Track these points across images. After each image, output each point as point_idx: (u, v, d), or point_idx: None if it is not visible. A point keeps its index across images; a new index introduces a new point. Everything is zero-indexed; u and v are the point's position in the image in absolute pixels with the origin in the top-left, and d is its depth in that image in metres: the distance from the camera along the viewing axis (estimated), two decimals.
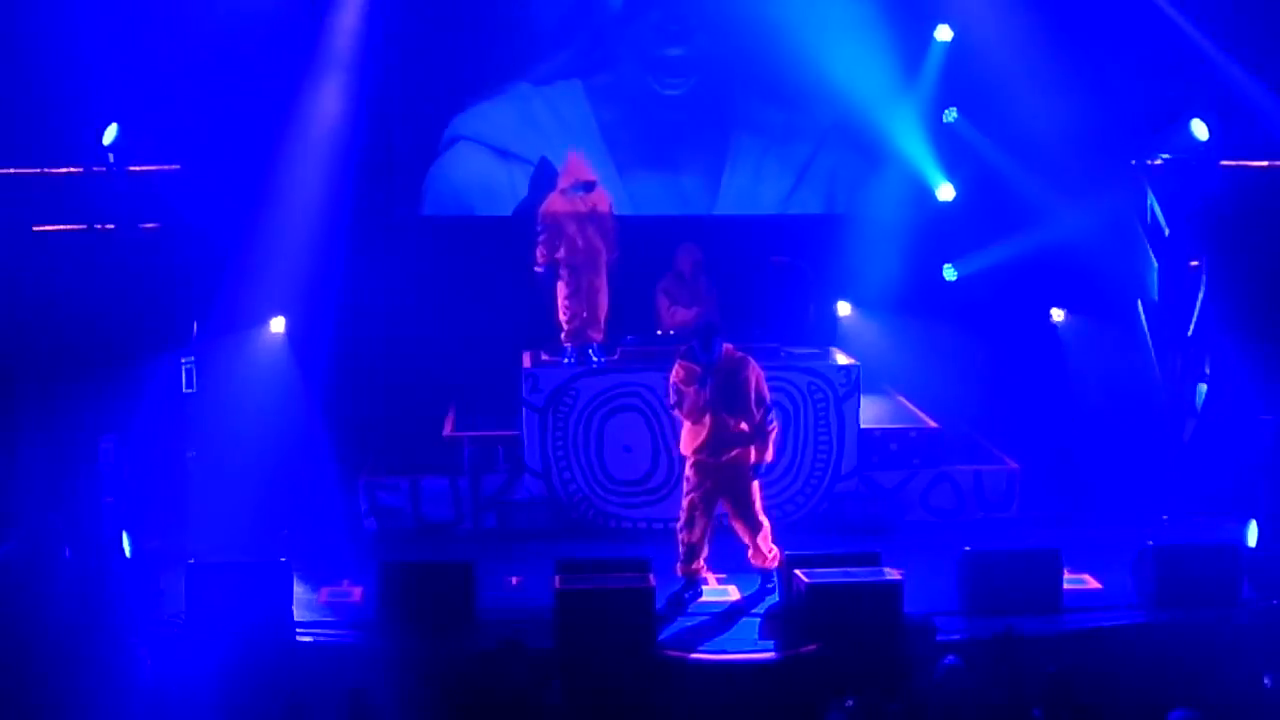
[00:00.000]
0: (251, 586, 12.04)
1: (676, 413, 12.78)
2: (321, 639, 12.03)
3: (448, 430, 15.41)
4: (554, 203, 15.00)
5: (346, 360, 16.32)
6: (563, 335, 15.12)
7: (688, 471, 12.82)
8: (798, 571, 12.01)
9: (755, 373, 12.60)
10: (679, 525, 12.89)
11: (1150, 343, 15.68)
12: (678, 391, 12.57)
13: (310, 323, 16.08)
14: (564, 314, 15.07)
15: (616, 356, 15.10)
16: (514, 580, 13.29)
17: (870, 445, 15.19)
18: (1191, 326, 15.40)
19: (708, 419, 12.51)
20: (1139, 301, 15.91)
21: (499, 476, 14.95)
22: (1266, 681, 10.29)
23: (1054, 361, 16.48)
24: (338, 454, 15.29)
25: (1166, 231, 15.75)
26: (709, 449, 12.60)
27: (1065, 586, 12.51)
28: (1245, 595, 12.40)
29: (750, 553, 12.93)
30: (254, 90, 15.61)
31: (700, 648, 11.81)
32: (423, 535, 14.69)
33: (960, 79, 17.07)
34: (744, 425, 12.56)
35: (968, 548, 12.59)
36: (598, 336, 15.10)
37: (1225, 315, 15.36)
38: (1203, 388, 15.36)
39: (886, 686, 10.45)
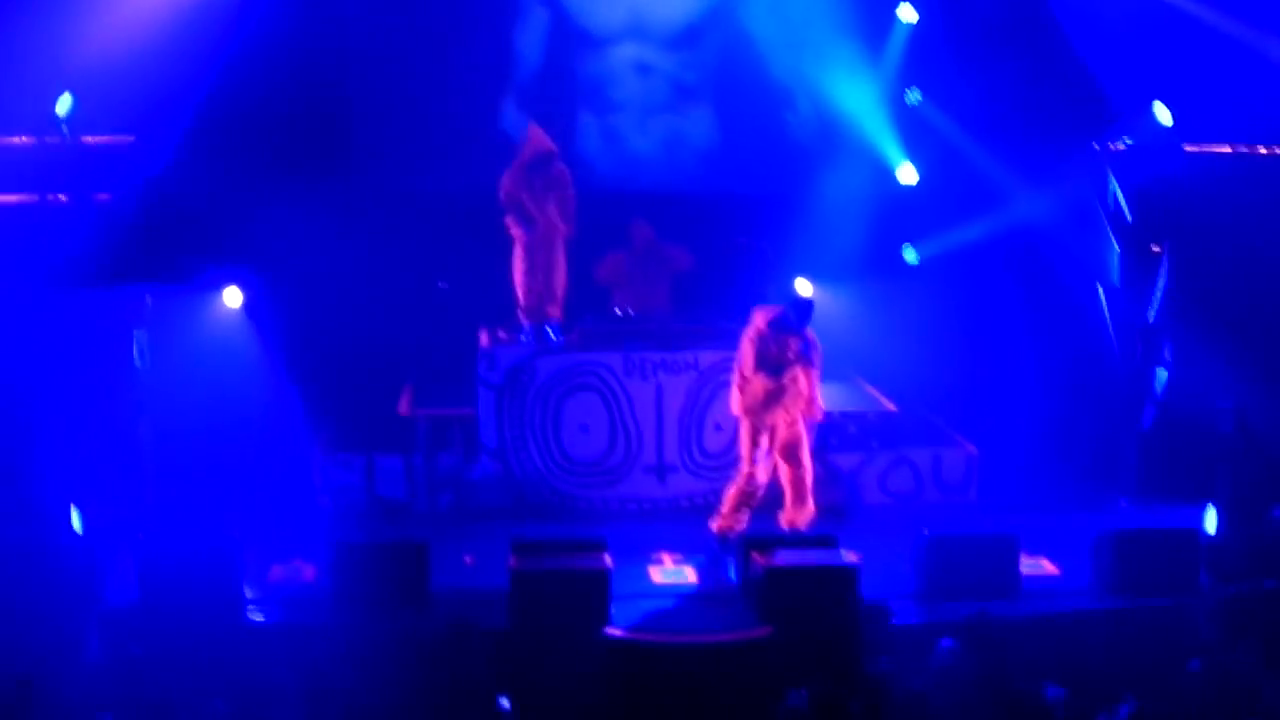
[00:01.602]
0: (203, 564, 11.88)
1: (758, 375, 13.03)
2: (273, 618, 11.91)
3: (403, 408, 15.30)
4: (513, 176, 14.83)
5: (301, 335, 16.17)
6: (520, 312, 14.98)
7: (746, 433, 13.21)
8: (754, 554, 11.96)
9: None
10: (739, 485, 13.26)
11: (1110, 328, 15.66)
12: (765, 357, 13.02)
13: (265, 296, 15.94)
14: (521, 291, 14.93)
15: (574, 336, 14.99)
16: (468, 560, 13.20)
17: (829, 427, 15.13)
18: (1152, 312, 15.38)
19: (764, 379, 13.06)
20: (1100, 286, 15.89)
21: (454, 455, 14.84)
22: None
23: (1013, 345, 16.43)
24: (291, 430, 15.16)
25: (1128, 216, 15.73)
26: (765, 404, 13.10)
27: (1023, 571, 12.48)
28: (1203, 581, 12.39)
29: (788, 510, 13.29)
30: (208, 57, 15.43)
31: (655, 630, 11.71)
32: (377, 514, 14.58)
33: (924, 60, 17.00)
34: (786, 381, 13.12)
35: (926, 531, 12.55)
36: (555, 313, 14.96)
37: (1186, 301, 15.34)
38: (1163, 373, 15.34)
39: (841, 671, 10.41)
